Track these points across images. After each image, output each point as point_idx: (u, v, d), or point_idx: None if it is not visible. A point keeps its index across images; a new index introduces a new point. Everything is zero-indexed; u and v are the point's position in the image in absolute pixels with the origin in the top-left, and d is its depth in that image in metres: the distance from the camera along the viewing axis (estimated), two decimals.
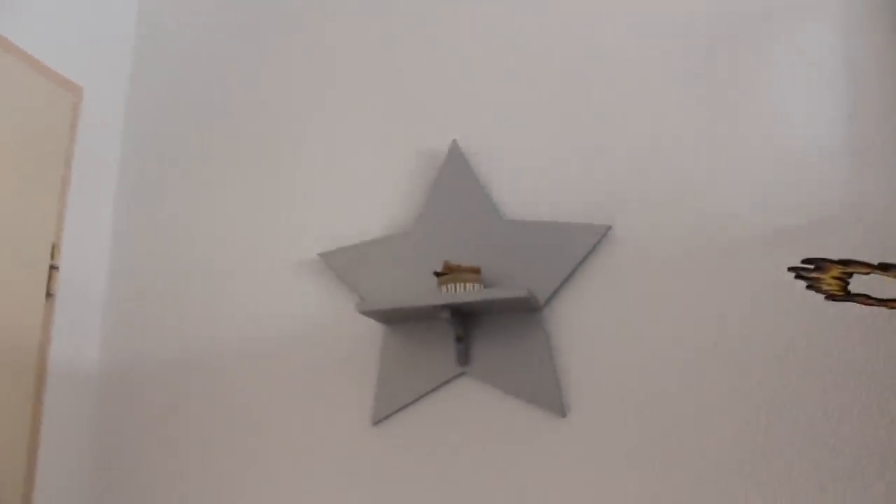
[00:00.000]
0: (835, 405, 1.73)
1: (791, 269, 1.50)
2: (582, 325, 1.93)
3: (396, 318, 1.99)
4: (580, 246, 1.95)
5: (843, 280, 1.48)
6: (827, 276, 1.48)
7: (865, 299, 1.49)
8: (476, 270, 1.91)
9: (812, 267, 1.47)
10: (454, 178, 2.09)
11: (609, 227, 1.94)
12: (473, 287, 1.88)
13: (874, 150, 1.86)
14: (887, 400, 1.71)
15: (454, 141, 2.11)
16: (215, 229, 2.31)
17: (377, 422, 1.99)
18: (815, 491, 1.69)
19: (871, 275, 1.43)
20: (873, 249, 1.78)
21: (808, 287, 1.51)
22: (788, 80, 1.95)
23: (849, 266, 1.42)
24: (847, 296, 1.52)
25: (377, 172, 2.18)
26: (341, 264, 2.11)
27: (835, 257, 1.79)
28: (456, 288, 1.87)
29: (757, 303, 1.83)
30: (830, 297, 1.53)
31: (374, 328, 2.06)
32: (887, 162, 1.85)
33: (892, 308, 1.54)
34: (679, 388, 1.83)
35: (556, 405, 1.87)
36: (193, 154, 2.42)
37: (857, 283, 1.59)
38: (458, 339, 1.94)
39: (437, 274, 1.92)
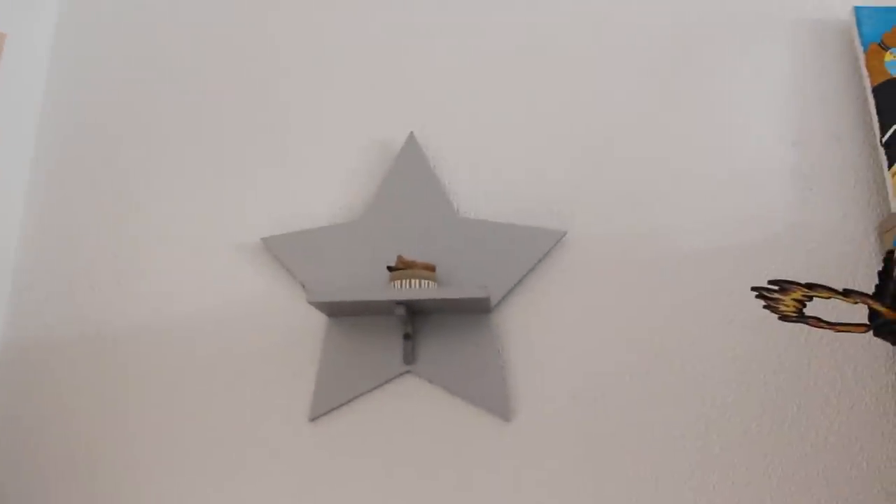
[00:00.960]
0: (773, 412, 1.79)
1: (755, 288, 1.54)
2: (532, 329, 1.92)
3: (342, 311, 1.91)
4: (534, 250, 1.94)
5: (801, 303, 1.53)
6: (787, 298, 1.52)
7: (816, 322, 1.55)
8: (431, 268, 1.87)
9: (776, 288, 1.51)
10: (409, 171, 2.03)
11: (564, 233, 1.94)
12: (428, 284, 1.83)
13: (819, 177, 1.94)
14: (821, 408, 1.79)
15: (411, 133, 2.06)
16: (147, 203, 2.15)
17: (314, 418, 1.91)
18: (762, 496, 1.75)
19: (831, 299, 1.49)
20: (813, 271, 1.86)
21: (766, 307, 1.56)
22: (744, 97, 2.01)
23: (812, 290, 1.46)
24: (800, 317, 1.57)
25: (329, 159, 2.10)
26: (285, 251, 2.02)
27: (775, 277, 1.86)
28: (410, 284, 1.82)
29: (703, 313, 1.87)
30: (784, 317, 1.58)
31: (316, 320, 1.97)
32: (830, 189, 1.93)
33: (838, 331, 1.61)
34: (627, 394, 1.85)
35: (502, 409, 1.86)
36: (126, 120, 2.25)
37: (811, 307, 1.65)
38: (407, 337, 1.89)
39: (391, 268, 1.86)
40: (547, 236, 1.94)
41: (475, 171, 2.04)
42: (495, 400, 1.86)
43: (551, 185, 2.00)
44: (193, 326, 2.02)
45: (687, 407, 1.82)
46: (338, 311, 1.92)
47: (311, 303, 1.81)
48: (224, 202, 2.11)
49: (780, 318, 1.58)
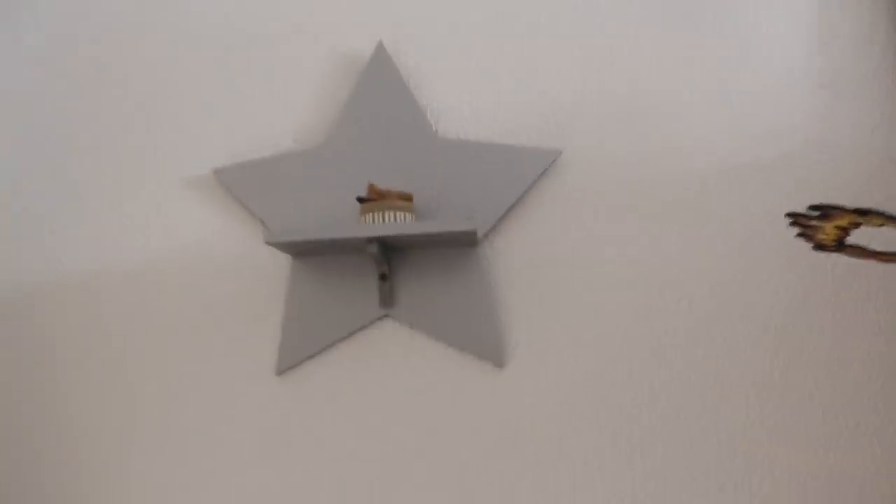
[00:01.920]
0: (793, 353, 1.59)
1: (791, 214, 1.31)
2: (525, 262, 1.68)
3: (308, 251, 1.67)
4: (525, 172, 1.68)
5: (845, 231, 1.30)
6: (829, 226, 1.29)
7: (861, 251, 1.32)
8: (408, 197, 1.62)
9: (816, 214, 1.28)
10: (379, 87, 1.75)
11: (559, 152, 1.69)
12: (405, 217, 1.59)
13: (846, 85, 1.69)
14: (852, 349, 1.59)
15: (380, 42, 1.77)
16: (88, 141, 1.86)
17: (282, 371, 1.69)
18: (773, 444, 1.56)
19: (883, 227, 1.26)
20: (842, 187, 1.63)
21: (799, 235, 1.33)
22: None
23: (865, 216, 1.23)
24: (838, 247, 1.34)
25: (288, 74, 1.81)
26: (240, 183, 1.76)
27: (794, 198, 1.62)
28: (384, 217, 1.57)
29: (717, 241, 1.65)
30: (819, 246, 1.35)
31: (280, 261, 1.73)
32: (858, 99, 1.68)
33: (884, 262, 1.39)
34: (634, 335, 1.64)
35: (495, 354, 1.64)
36: (65, 51, 1.93)
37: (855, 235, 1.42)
38: (383, 277, 1.66)
39: (361, 200, 1.61)
40: (540, 157, 1.68)
41: (456, 84, 1.76)
42: (486, 344, 1.65)
43: (544, 99, 1.73)
44: (141, 273, 1.78)
45: (697, 350, 1.61)
46: (303, 252, 1.67)
47: (269, 243, 1.56)
48: (170, 131, 1.83)
49: (814, 248, 1.35)
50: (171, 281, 1.77)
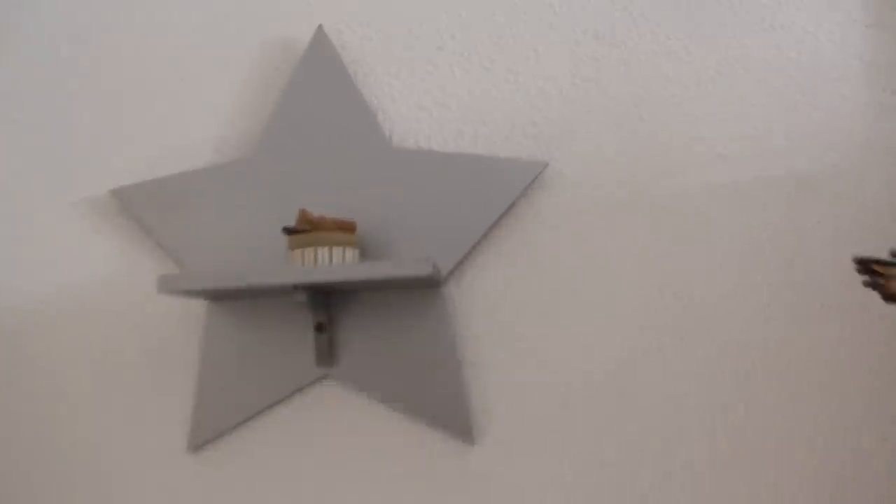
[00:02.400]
0: (822, 408, 1.22)
1: (861, 261, 0.95)
2: (500, 305, 1.32)
3: (227, 294, 1.31)
4: (501, 191, 1.32)
5: None
6: None
7: None
8: (349, 227, 1.26)
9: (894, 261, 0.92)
10: (319, 84, 1.39)
11: (544, 165, 1.33)
12: (344, 254, 1.23)
13: None
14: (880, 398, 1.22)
15: (320, 27, 1.40)
16: None
17: (197, 447, 1.34)
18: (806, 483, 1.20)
19: None
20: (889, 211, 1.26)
21: (867, 284, 0.97)
22: None
23: None
24: None
25: (204, 71, 1.45)
26: (144, 206, 1.40)
27: (835, 216, 1.26)
28: (317, 256, 1.21)
29: (736, 272, 1.28)
30: (891, 297, 0.99)
31: (194, 305, 1.38)
32: None
33: None
34: (637, 386, 1.28)
35: (462, 427, 1.28)
36: None
37: None
38: (319, 328, 1.30)
39: (289, 231, 1.25)
40: (520, 171, 1.32)
41: (415, 80, 1.40)
42: (452, 414, 1.29)
43: (525, 100, 1.37)
44: (23, 315, 1.42)
45: (706, 421, 1.25)
46: (220, 295, 1.31)
47: (165, 292, 1.20)
48: (62, 147, 1.47)
49: (886, 300, 0.99)
50: (59, 327, 1.41)
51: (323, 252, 1.21)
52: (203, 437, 1.33)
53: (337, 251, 1.22)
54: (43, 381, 1.40)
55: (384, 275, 1.15)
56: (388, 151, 1.36)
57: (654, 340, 1.28)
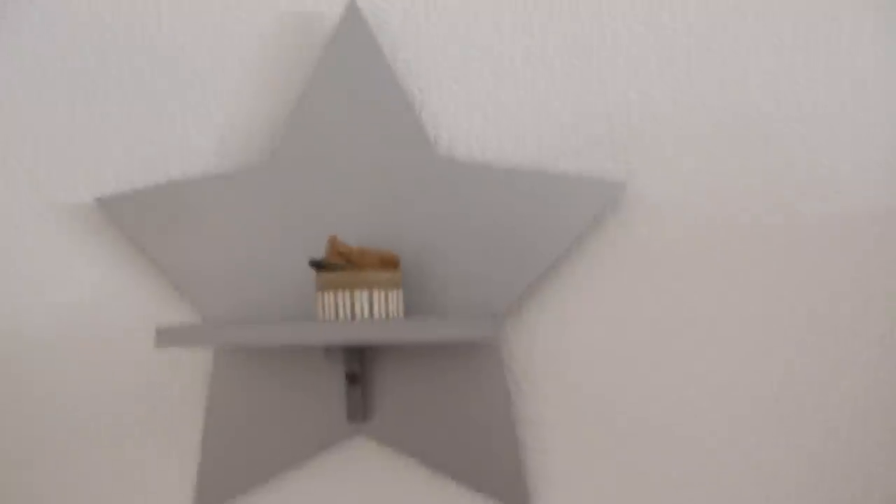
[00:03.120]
0: None
1: None
2: (564, 351, 1.12)
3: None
4: (569, 216, 1.10)
5: None
6: None
7: None
8: (392, 263, 1.03)
9: None
10: (348, 74, 1.14)
11: (621, 186, 1.10)
12: (387, 301, 1.00)
13: None
14: None
15: (352, 2, 1.14)
16: None
17: None
18: None
19: None
20: None
21: None
22: None
23: None
24: None
25: (207, 57, 1.18)
26: (137, 219, 1.15)
27: None
28: (355, 304, 0.99)
29: (847, 319, 1.08)
30: None
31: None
32: None
33: None
34: (726, 454, 1.09)
35: (516, 492, 1.09)
36: None
37: None
38: (352, 379, 1.09)
39: (317, 265, 1.02)
40: (592, 192, 1.10)
41: (468, 74, 1.15)
42: (505, 478, 1.09)
43: (601, 104, 1.13)
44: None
45: (825, 467, 1.08)
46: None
47: (162, 346, 0.97)
48: (40, 142, 1.21)
49: None
50: (30, 362, 1.18)
51: (362, 298, 0.99)
52: (210, 500, 1.13)
53: (378, 296, 1.00)
54: (16, 430, 1.18)
55: (442, 337, 0.93)
56: (433, 161, 1.12)
57: (748, 401, 1.09)
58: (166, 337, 0.95)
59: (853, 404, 1.07)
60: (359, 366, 1.08)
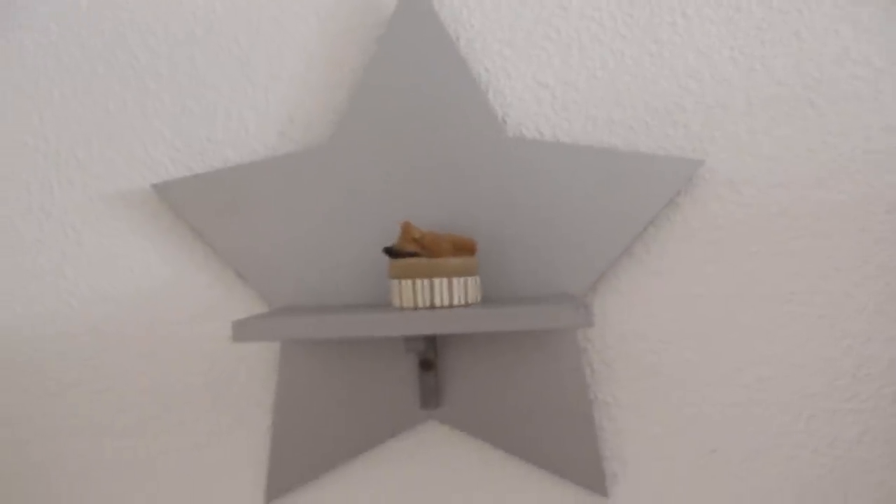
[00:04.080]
0: None
1: None
2: (641, 332, 1.10)
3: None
4: (646, 194, 1.07)
5: None
6: None
7: None
8: (469, 248, 1.01)
9: None
10: (411, 51, 1.10)
11: (700, 163, 1.07)
12: (466, 288, 0.98)
13: None
14: None
15: None
16: None
17: (273, 499, 1.13)
18: None
19: None
20: None
21: None
22: None
23: None
24: None
25: (264, 37, 1.15)
26: (196, 205, 1.12)
27: None
28: (434, 292, 0.97)
29: None
30: None
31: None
32: None
33: None
34: (802, 433, 1.09)
35: (593, 475, 1.09)
36: None
37: None
38: (426, 366, 1.07)
39: (391, 253, 1.00)
40: (668, 169, 1.07)
41: (535, 50, 1.12)
42: (581, 461, 1.09)
43: (672, 78, 1.10)
44: (52, 335, 1.17)
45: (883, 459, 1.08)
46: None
47: (240, 341, 0.95)
48: (95, 126, 1.17)
49: None
50: (91, 351, 1.16)
51: (441, 286, 0.97)
52: (281, 486, 1.12)
53: (457, 284, 0.98)
54: (72, 420, 1.16)
55: (529, 326, 0.91)
56: (501, 141, 1.09)
57: (821, 380, 1.08)
58: (243, 331, 0.93)
59: None
60: (434, 354, 1.07)
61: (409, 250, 1.00)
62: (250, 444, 1.14)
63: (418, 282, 0.97)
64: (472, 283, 0.99)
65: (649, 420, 1.10)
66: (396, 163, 1.10)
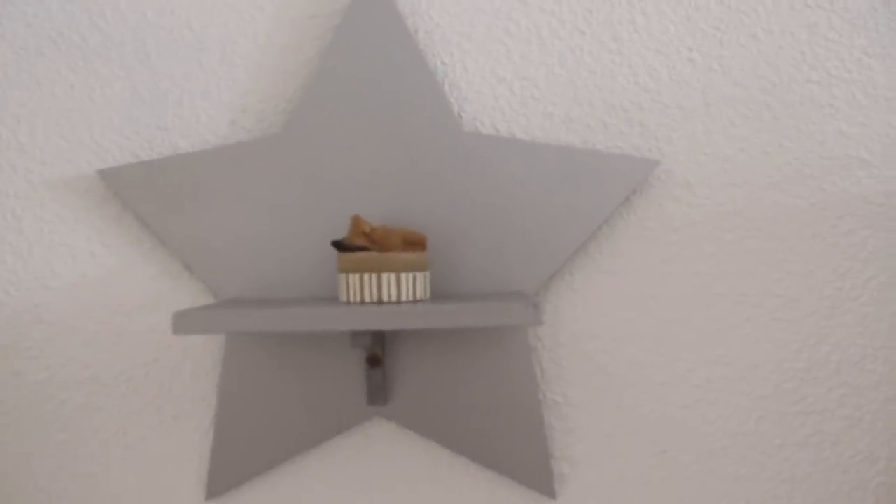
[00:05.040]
0: None
1: None
2: (592, 332, 1.09)
3: None
4: (601, 193, 1.06)
5: None
6: None
7: None
8: (419, 243, 0.99)
9: None
10: (367, 41, 1.08)
11: (656, 163, 1.07)
12: (415, 283, 0.97)
13: None
14: None
15: None
16: None
17: (214, 495, 1.10)
18: None
19: None
20: None
21: None
22: None
23: None
24: None
25: (217, 21, 1.12)
26: (142, 193, 1.10)
27: None
28: (382, 287, 0.95)
29: (876, 294, 1.07)
30: None
31: None
32: None
33: None
34: (754, 435, 1.08)
35: (541, 475, 1.08)
36: None
37: None
38: (373, 362, 1.05)
39: (340, 246, 0.98)
40: (624, 169, 1.06)
41: (493, 44, 1.10)
42: (529, 461, 1.08)
43: (630, 76, 1.09)
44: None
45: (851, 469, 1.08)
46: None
47: (180, 333, 0.92)
48: (39, 109, 1.14)
49: None
50: (34, 341, 1.13)
51: (389, 281, 0.95)
52: (224, 483, 1.09)
53: (406, 279, 0.96)
54: (11, 411, 1.13)
55: (479, 323, 0.89)
56: (457, 136, 1.08)
57: (774, 382, 1.08)
58: (184, 322, 0.90)
59: (881, 384, 1.07)
60: (381, 349, 1.05)
61: (359, 244, 0.98)
62: (194, 438, 1.11)
63: (366, 276, 0.95)
64: (422, 278, 0.97)
65: (600, 420, 1.10)
66: (349, 155, 1.08)
